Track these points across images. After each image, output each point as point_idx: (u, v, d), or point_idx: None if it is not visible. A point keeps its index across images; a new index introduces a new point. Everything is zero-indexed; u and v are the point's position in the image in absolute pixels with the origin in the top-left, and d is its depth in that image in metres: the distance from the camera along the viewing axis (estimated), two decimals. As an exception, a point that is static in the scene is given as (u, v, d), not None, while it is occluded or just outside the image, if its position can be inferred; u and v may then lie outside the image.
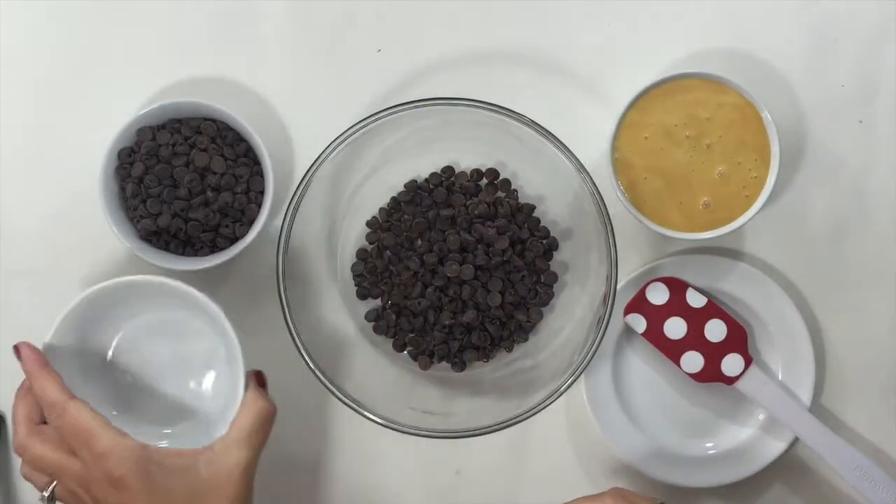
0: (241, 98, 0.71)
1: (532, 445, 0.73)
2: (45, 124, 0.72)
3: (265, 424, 0.60)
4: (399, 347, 0.70)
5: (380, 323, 0.70)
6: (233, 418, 0.60)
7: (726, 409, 0.73)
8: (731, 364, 0.70)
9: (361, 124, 0.64)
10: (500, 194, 0.70)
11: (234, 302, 0.67)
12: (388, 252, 0.69)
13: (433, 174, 0.70)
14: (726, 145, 0.66)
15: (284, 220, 0.65)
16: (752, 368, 0.70)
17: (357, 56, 0.72)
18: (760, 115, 0.66)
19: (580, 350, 0.65)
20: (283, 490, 0.72)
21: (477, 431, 0.64)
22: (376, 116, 0.64)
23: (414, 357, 0.70)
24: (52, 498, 0.57)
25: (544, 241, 0.70)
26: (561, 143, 0.64)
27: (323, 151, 0.64)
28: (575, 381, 0.64)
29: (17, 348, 0.60)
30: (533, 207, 0.71)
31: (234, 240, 0.66)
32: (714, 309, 0.70)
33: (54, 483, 0.57)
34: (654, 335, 0.70)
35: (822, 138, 0.73)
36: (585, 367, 0.64)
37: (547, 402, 0.64)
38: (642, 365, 0.73)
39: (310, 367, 0.64)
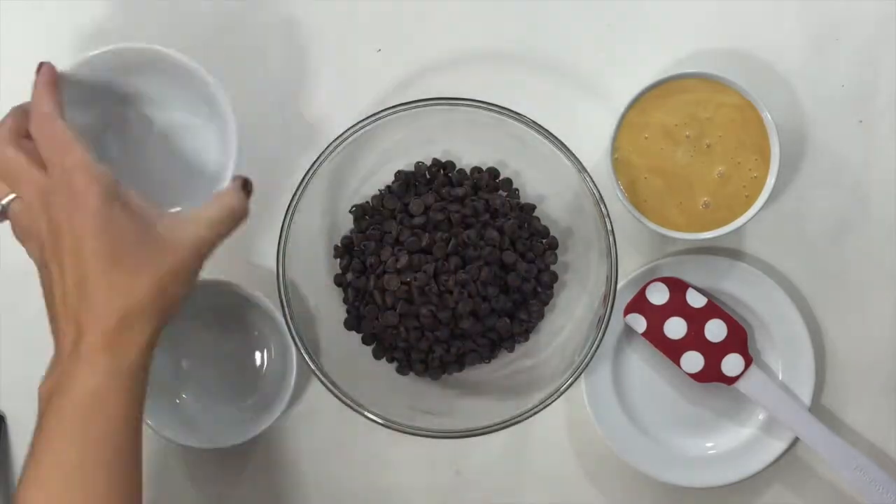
0: (240, 98, 0.71)
1: (532, 445, 0.73)
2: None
3: (231, 220, 0.58)
4: (404, 371, 0.70)
5: (377, 347, 0.70)
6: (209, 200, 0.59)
7: (726, 409, 0.73)
8: (732, 364, 0.70)
9: (361, 124, 0.64)
10: (501, 194, 0.70)
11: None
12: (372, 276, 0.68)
13: (435, 160, 0.70)
14: (726, 145, 0.66)
15: (285, 219, 0.65)
16: (752, 368, 0.70)
17: (357, 56, 0.72)
18: (761, 116, 0.66)
19: (580, 350, 0.65)
20: (282, 490, 0.72)
21: (477, 431, 0.64)
22: (376, 116, 0.64)
23: (420, 374, 0.70)
24: (3, 210, 0.55)
25: (544, 241, 0.70)
26: (561, 143, 0.64)
27: (323, 151, 0.64)
28: (575, 381, 0.64)
29: (41, 64, 0.58)
30: (533, 207, 0.71)
31: None
32: (714, 309, 0.70)
33: (12, 195, 0.55)
34: (654, 335, 0.70)
35: (822, 138, 0.73)
36: (585, 367, 0.64)
37: (547, 402, 0.64)
38: (642, 365, 0.73)
39: (310, 367, 0.64)
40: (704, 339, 0.70)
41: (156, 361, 0.71)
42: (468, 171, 0.71)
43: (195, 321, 0.72)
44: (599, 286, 0.65)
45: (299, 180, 0.65)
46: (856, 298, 0.73)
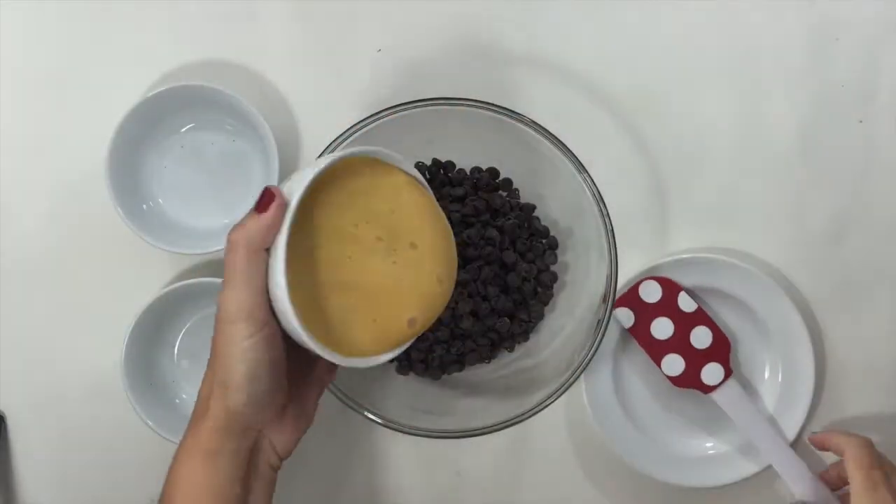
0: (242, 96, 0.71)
1: (532, 445, 0.73)
2: (47, 113, 0.72)
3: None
4: (404, 371, 0.70)
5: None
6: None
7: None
8: (711, 373, 0.70)
9: (361, 124, 0.64)
10: (501, 194, 0.70)
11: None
12: None
13: (434, 160, 0.70)
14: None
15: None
16: (731, 381, 0.70)
17: (357, 56, 0.72)
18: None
19: (580, 350, 0.65)
20: (281, 489, 0.72)
21: (477, 431, 0.64)
22: (376, 116, 0.64)
23: (420, 374, 0.70)
24: None
25: (544, 241, 0.70)
26: (561, 143, 0.64)
27: (323, 151, 0.64)
28: (575, 380, 0.64)
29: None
30: (533, 207, 0.71)
31: None
32: (703, 316, 0.70)
33: None
34: (640, 332, 0.71)
35: (822, 138, 0.73)
36: (585, 367, 0.64)
37: (547, 402, 0.64)
38: (642, 365, 0.73)
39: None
40: (689, 344, 0.70)
41: (156, 361, 0.72)
42: (468, 171, 0.71)
43: (195, 321, 0.72)
44: (599, 286, 0.65)
45: (299, 180, 0.65)
46: (856, 298, 0.73)
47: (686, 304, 0.70)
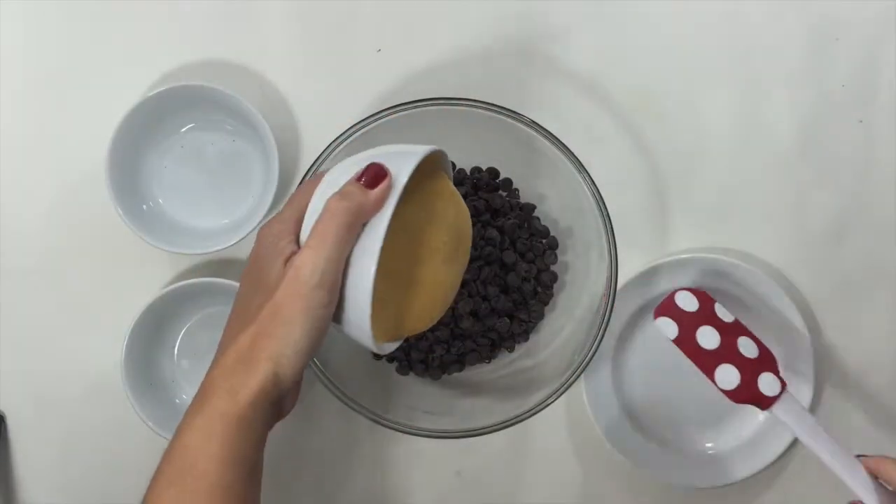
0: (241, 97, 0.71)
1: (532, 445, 0.73)
2: (47, 113, 0.72)
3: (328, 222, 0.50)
4: (404, 371, 0.70)
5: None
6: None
7: (726, 410, 0.73)
8: (768, 384, 0.64)
9: (361, 124, 0.64)
10: (501, 194, 0.70)
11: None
12: None
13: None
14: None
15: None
16: (788, 394, 0.64)
17: (357, 56, 0.72)
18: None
19: (580, 350, 0.65)
20: (281, 489, 0.72)
21: (477, 431, 0.64)
22: (376, 116, 0.64)
23: (420, 374, 0.70)
24: None
25: (544, 241, 0.70)
26: (561, 143, 0.64)
27: (323, 151, 0.64)
28: (575, 380, 0.64)
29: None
30: (533, 207, 0.71)
31: None
32: (742, 327, 0.66)
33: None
34: (687, 342, 0.65)
35: (822, 138, 0.73)
36: (585, 367, 0.64)
37: (547, 402, 0.64)
38: (642, 365, 0.73)
39: (311, 367, 0.64)
40: (739, 353, 0.64)
41: (156, 361, 0.72)
42: (468, 171, 0.71)
43: (195, 321, 0.72)
44: (599, 286, 0.65)
45: (299, 181, 0.65)
46: (856, 298, 0.73)
47: (724, 314, 0.65)
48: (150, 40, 0.72)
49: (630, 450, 0.71)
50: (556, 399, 0.64)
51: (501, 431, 0.64)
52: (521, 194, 0.71)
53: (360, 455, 0.73)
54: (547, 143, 0.64)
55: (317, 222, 0.49)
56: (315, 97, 0.72)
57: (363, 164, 0.51)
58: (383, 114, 0.64)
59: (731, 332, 0.65)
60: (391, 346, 0.56)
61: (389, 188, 0.49)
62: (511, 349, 0.70)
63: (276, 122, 0.69)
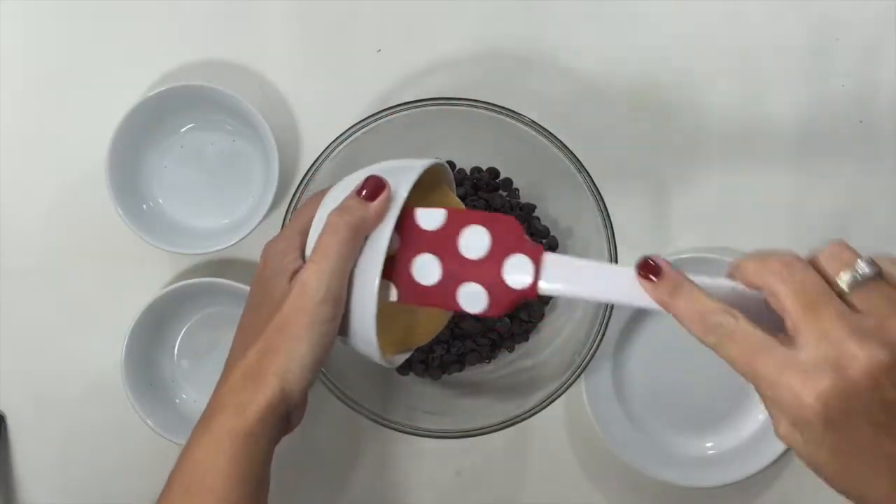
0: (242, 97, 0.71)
1: (532, 445, 0.73)
2: (47, 113, 0.72)
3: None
4: (404, 371, 0.70)
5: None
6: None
7: (726, 409, 0.73)
8: (516, 269, 0.49)
9: (361, 124, 0.64)
10: (501, 194, 0.70)
11: (234, 302, 0.67)
12: None
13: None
14: None
15: (285, 220, 0.65)
16: (546, 258, 0.49)
17: (357, 56, 0.72)
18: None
19: (580, 350, 0.65)
20: (282, 489, 0.72)
21: (477, 431, 0.64)
22: (376, 116, 0.64)
23: (420, 374, 0.70)
24: None
25: (544, 241, 0.70)
26: (561, 143, 0.64)
27: (323, 152, 0.64)
28: (575, 380, 0.64)
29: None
30: (533, 207, 0.71)
31: None
32: (458, 218, 0.50)
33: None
34: (409, 294, 0.51)
35: (822, 138, 0.73)
36: (585, 367, 0.64)
37: (547, 402, 0.64)
38: (642, 365, 0.73)
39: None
40: (466, 261, 0.50)
41: (156, 361, 0.72)
42: (468, 171, 0.71)
43: (195, 321, 0.72)
44: (599, 286, 0.65)
45: (299, 181, 0.65)
46: (856, 298, 0.73)
47: (428, 220, 0.51)
48: (150, 40, 0.72)
49: (630, 450, 0.71)
50: (556, 399, 0.64)
51: (501, 431, 0.64)
52: (521, 194, 0.71)
53: (360, 455, 0.73)
54: (547, 142, 0.64)
55: (319, 237, 0.49)
56: (315, 97, 0.72)
57: (361, 179, 0.51)
58: (383, 114, 0.64)
59: (445, 238, 0.50)
60: (400, 359, 0.56)
61: (389, 200, 0.49)
62: (511, 349, 0.70)
63: (276, 122, 0.69)
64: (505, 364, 0.71)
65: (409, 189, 0.50)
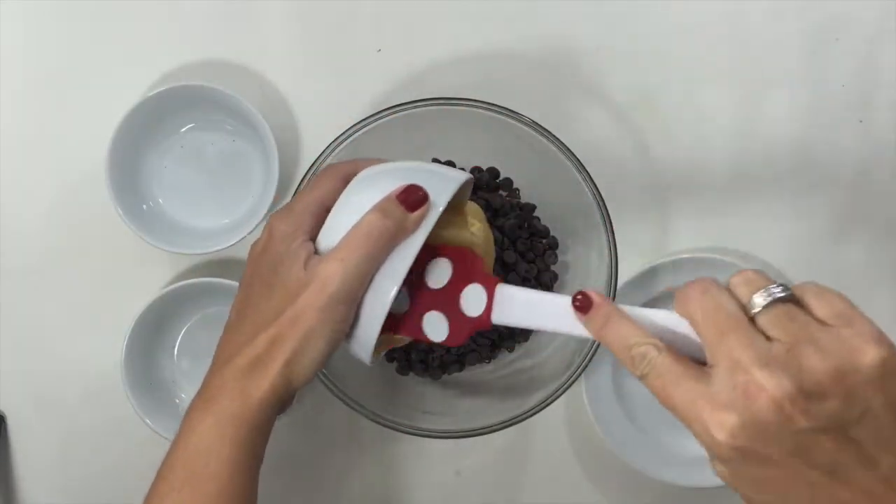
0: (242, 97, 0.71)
1: (532, 445, 0.73)
2: (47, 113, 0.72)
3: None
4: (404, 371, 0.70)
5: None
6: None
7: (726, 409, 0.73)
8: (473, 299, 0.50)
9: (361, 124, 0.64)
10: (501, 194, 0.70)
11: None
12: None
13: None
14: None
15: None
16: (499, 289, 0.50)
17: (357, 56, 0.72)
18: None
19: (580, 350, 0.65)
20: (281, 489, 0.72)
21: (477, 431, 0.64)
22: (376, 116, 0.64)
23: (420, 374, 0.70)
24: None
25: (544, 241, 0.70)
26: (561, 143, 0.64)
27: (323, 152, 0.64)
28: (575, 381, 0.64)
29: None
30: (533, 207, 0.71)
31: None
32: (428, 248, 0.51)
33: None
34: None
35: (822, 138, 0.73)
36: (585, 367, 0.64)
37: (547, 402, 0.64)
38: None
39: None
40: (430, 290, 0.52)
41: (156, 361, 0.72)
42: (468, 171, 0.71)
43: (195, 321, 0.72)
44: (599, 286, 0.65)
45: (299, 181, 0.65)
46: (856, 298, 0.73)
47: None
48: (150, 40, 0.72)
49: (630, 449, 0.71)
50: (556, 399, 0.64)
51: (501, 431, 0.64)
52: (521, 194, 0.71)
53: (360, 455, 0.73)
54: (547, 142, 0.64)
55: (352, 234, 0.49)
56: (315, 97, 0.72)
57: (395, 178, 0.50)
58: (383, 114, 0.64)
59: (416, 268, 0.50)
60: (379, 356, 0.57)
61: (426, 215, 0.50)
62: (511, 349, 0.70)
63: (276, 122, 0.69)
64: (505, 364, 0.71)
65: (446, 204, 0.49)
